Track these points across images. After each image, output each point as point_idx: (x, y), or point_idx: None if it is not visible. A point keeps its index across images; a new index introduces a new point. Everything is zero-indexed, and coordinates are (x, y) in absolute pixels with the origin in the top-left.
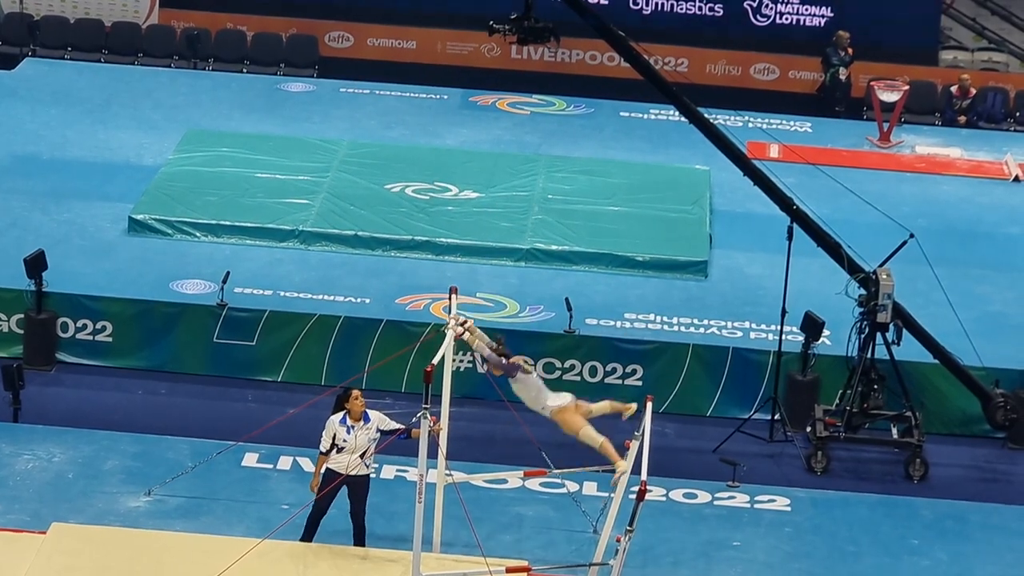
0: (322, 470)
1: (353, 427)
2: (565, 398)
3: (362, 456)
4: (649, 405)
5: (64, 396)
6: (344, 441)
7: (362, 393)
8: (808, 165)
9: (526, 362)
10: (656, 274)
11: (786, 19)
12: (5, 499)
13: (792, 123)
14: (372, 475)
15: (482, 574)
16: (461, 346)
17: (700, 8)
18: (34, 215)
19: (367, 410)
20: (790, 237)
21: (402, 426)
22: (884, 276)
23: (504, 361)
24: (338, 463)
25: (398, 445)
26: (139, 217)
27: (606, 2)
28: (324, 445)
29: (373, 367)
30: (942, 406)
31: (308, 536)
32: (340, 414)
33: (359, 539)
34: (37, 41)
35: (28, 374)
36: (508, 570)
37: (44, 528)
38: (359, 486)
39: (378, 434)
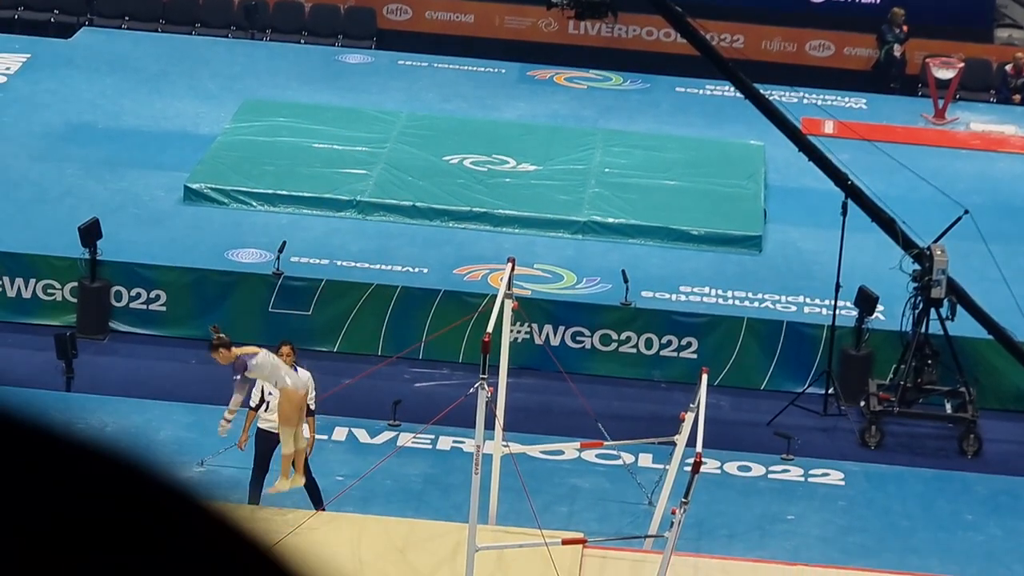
0: (250, 428)
1: None
2: (300, 381)
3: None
4: (704, 377)
5: (117, 365)
6: (270, 395)
7: (293, 349)
8: (863, 141)
9: (216, 331)
10: (711, 248)
11: None
12: None
13: (847, 99)
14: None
15: (538, 546)
16: (518, 317)
17: None
18: (89, 184)
19: (298, 367)
20: (844, 212)
21: (310, 413)
22: (938, 252)
23: (235, 364)
24: (269, 421)
25: (455, 415)
26: (195, 186)
27: None
28: (254, 400)
29: (430, 337)
30: (996, 382)
31: (255, 498)
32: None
33: (315, 499)
34: (94, 10)
35: (81, 343)
36: (564, 542)
37: None
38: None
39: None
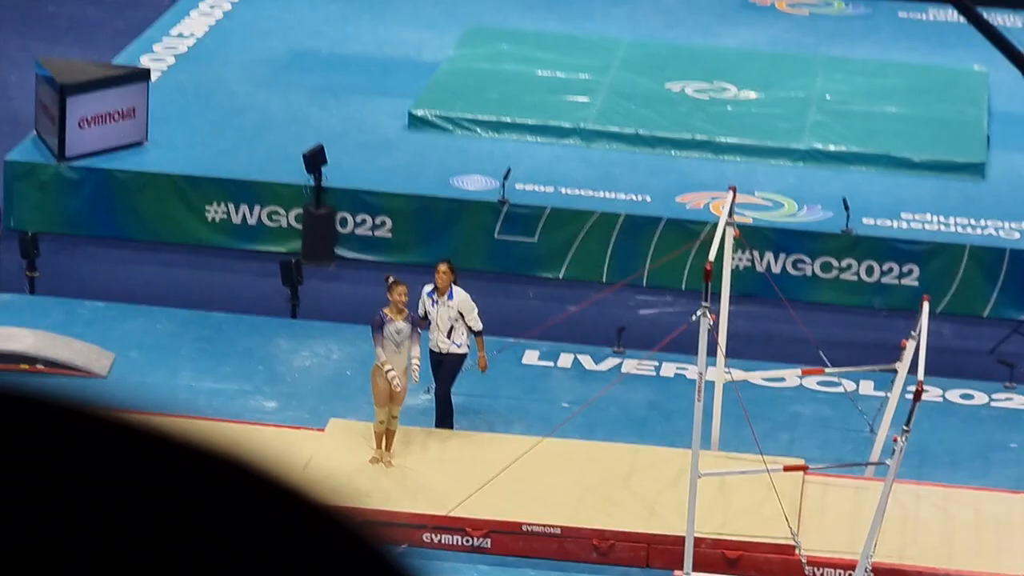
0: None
1: (437, 300)
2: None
3: (448, 335)
4: (926, 305)
5: (342, 292)
6: (426, 313)
7: (451, 267)
8: None
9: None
10: (933, 174)
11: None
12: (283, 396)
13: None
14: (462, 353)
15: (759, 472)
16: (739, 244)
17: None
18: (313, 110)
19: (456, 288)
20: None
21: (476, 332)
22: None
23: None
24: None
25: (677, 342)
26: (419, 113)
27: None
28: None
29: (653, 265)
30: None
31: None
32: (430, 285)
33: (441, 421)
34: None
35: (306, 269)
36: (785, 468)
37: (322, 426)
38: (442, 365)
39: (459, 315)
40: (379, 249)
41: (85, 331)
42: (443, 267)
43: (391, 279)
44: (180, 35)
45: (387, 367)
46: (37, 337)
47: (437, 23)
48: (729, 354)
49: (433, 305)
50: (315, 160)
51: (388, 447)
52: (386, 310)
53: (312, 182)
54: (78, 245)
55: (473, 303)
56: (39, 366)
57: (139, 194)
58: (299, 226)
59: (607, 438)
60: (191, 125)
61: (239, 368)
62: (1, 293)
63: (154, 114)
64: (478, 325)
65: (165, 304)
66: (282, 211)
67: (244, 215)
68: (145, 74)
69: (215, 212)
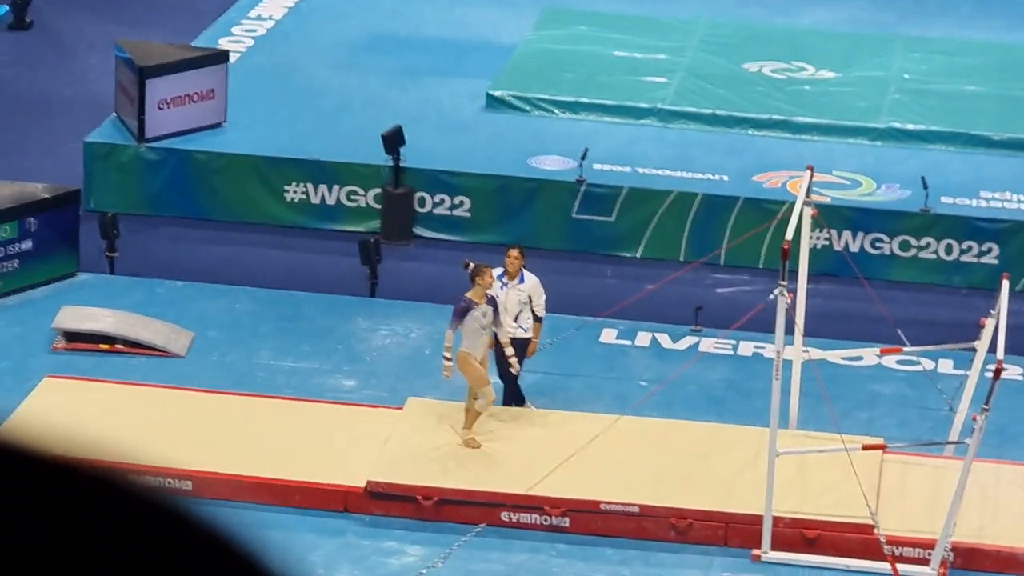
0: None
1: (507, 284)
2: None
3: (516, 319)
4: (1005, 283)
5: (421, 271)
6: (495, 296)
7: (522, 252)
8: None
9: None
10: (1012, 153)
11: None
12: (362, 374)
13: None
14: (529, 337)
15: (838, 451)
16: (817, 223)
17: None
18: (391, 92)
19: (527, 272)
20: None
21: (539, 318)
22: None
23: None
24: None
25: (755, 321)
26: (497, 94)
27: None
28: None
29: (731, 244)
30: None
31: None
32: (499, 269)
33: (508, 401)
34: None
35: (385, 249)
36: (864, 447)
37: (401, 404)
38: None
39: (528, 299)
40: (457, 229)
41: (164, 311)
42: (514, 252)
43: (472, 264)
44: (259, 17)
45: (508, 351)
46: (117, 317)
47: (515, 4)
48: (807, 333)
49: (502, 289)
50: (394, 141)
51: (470, 425)
52: (469, 294)
53: (391, 162)
54: (158, 226)
55: (543, 289)
56: (119, 345)
57: (218, 175)
58: (378, 206)
59: (685, 416)
60: (270, 107)
61: (318, 347)
62: (81, 273)
63: (233, 96)
64: (543, 312)
65: (244, 284)
66: (361, 191)
67: (323, 195)
68: (224, 56)
69: (294, 192)
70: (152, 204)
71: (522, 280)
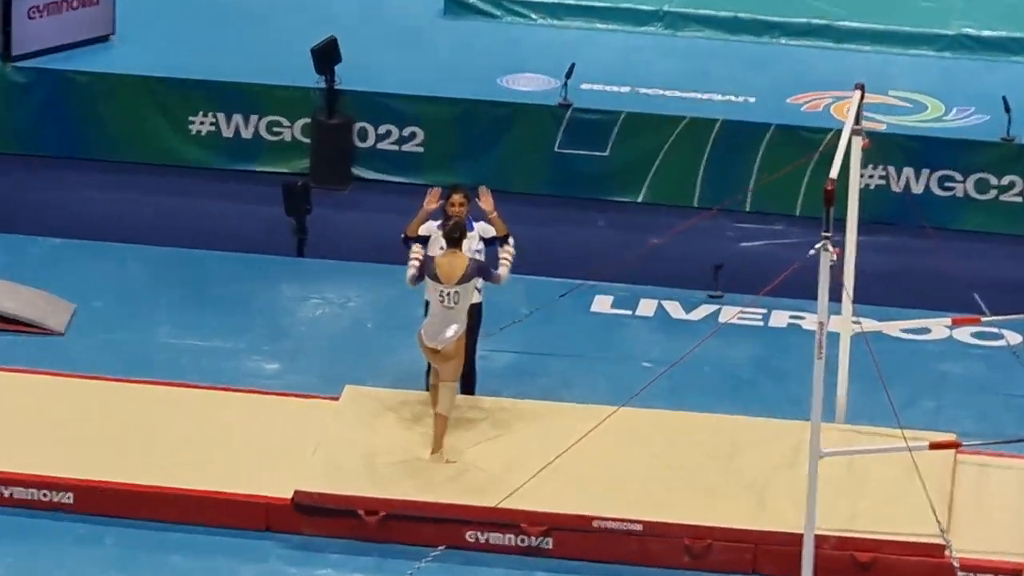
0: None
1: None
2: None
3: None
4: None
5: (362, 222)
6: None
7: (467, 196)
8: None
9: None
10: None
11: None
12: (288, 354)
13: None
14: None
15: (898, 451)
16: (870, 157)
17: None
18: None
19: (473, 220)
20: None
21: (502, 232)
22: None
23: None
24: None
25: (791, 284)
26: None
27: None
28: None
29: (760, 184)
30: None
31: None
32: (437, 221)
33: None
34: None
35: (316, 194)
36: (931, 445)
37: (336, 393)
38: None
39: (481, 245)
40: (408, 168)
41: (37, 275)
42: (457, 197)
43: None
44: None
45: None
46: None
47: None
48: (858, 299)
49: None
50: (326, 56)
51: (440, 442)
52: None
53: (323, 84)
54: (29, 167)
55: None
56: None
57: (104, 101)
58: (307, 140)
59: (701, 407)
60: (170, 15)
61: (231, 321)
62: None
63: (123, 1)
64: (500, 228)
65: (138, 241)
66: (286, 121)
67: (237, 127)
68: None
69: (201, 124)
70: (21, 139)
71: (470, 228)
